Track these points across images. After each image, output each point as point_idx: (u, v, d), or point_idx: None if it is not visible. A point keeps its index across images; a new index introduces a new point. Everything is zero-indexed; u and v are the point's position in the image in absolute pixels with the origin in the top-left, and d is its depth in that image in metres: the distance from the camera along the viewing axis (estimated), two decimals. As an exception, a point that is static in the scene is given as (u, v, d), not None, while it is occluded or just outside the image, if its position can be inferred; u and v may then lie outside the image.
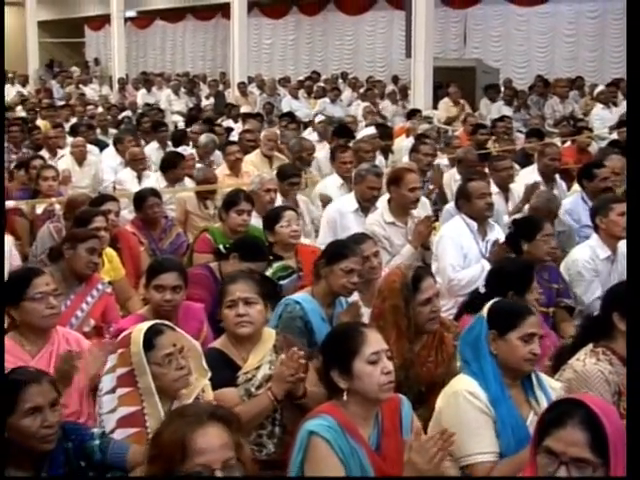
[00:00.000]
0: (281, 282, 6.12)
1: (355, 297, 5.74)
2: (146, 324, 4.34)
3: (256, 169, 10.23)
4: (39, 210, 8.98)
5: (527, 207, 7.93)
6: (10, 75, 30.50)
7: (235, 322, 4.66)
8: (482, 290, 5.39)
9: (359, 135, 12.02)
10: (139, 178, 10.52)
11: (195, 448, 2.83)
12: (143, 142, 13.37)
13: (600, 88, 16.59)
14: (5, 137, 13.56)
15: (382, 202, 7.50)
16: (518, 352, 4.08)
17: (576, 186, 8.72)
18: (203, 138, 11.97)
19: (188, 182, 10.18)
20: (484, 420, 3.98)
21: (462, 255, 6.80)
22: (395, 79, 22.59)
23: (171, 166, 10.01)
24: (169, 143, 13.00)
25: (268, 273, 6.17)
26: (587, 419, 2.94)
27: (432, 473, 3.48)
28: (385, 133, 12.28)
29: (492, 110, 17.15)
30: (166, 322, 4.48)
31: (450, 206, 7.87)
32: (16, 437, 3.68)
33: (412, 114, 15.46)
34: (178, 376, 4.18)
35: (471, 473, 3.95)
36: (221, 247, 6.45)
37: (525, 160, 10.28)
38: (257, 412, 4.46)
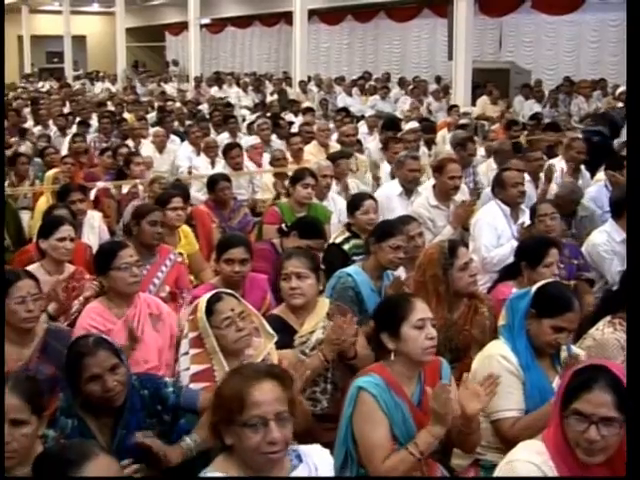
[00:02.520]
0: (354, 257, 6.11)
1: (400, 271, 5.75)
2: (209, 293, 4.38)
3: (314, 157, 10.23)
4: (124, 190, 9.06)
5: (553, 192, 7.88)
6: (101, 74, 30.81)
7: (289, 294, 4.70)
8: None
9: (404, 128, 12.00)
10: (212, 164, 10.55)
11: (252, 401, 2.86)
12: (215, 133, 13.40)
13: (621, 89, 16.36)
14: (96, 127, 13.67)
15: (427, 188, 7.56)
16: (546, 337, 4.05)
17: (599, 175, 8.67)
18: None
19: (253, 168, 10.22)
20: (514, 381, 3.97)
21: (496, 236, 6.78)
22: (438, 79, 22.44)
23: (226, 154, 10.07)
24: (239, 134, 13.03)
25: (345, 248, 6.28)
26: (611, 382, 2.93)
27: (449, 417, 3.58)
28: (428, 127, 12.25)
29: (525, 107, 17.13)
30: (227, 290, 4.50)
31: (486, 192, 7.87)
32: (88, 398, 3.72)
33: (451, 109, 15.47)
34: (238, 337, 4.20)
35: (499, 427, 3.94)
36: (283, 226, 6.48)
37: (549, 151, 10.15)
38: (311, 371, 4.42)
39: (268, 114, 15.39)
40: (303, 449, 3.06)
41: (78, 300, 5.50)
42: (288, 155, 10.25)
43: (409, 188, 7.76)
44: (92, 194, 8.57)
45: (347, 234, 6.48)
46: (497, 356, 4.05)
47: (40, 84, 29.99)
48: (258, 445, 2.84)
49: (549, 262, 5.25)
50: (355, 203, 6.60)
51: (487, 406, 3.75)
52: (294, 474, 2.95)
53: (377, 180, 9.19)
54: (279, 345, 4.49)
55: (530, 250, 5.38)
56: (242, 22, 32.22)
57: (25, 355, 4.48)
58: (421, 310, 3.87)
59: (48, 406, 3.65)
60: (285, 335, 4.59)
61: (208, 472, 2.95)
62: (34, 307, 4.49)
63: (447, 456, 4.02)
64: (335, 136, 11.56)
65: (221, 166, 9.92)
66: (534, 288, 4.19)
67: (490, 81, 18.36)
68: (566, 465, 2.98)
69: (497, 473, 3.18)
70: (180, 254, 6.46)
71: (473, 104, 17.44)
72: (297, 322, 4.72)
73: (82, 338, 3.94)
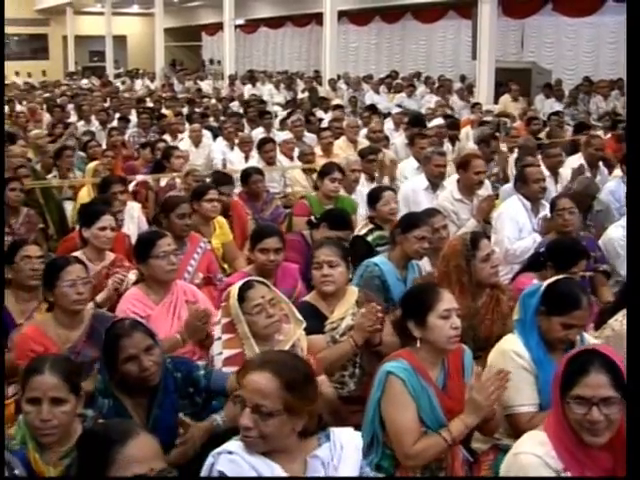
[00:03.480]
0: (378, 248, 6.10)
1: (425, 261, 5.76)
2: (241, 281, 4.40)
3: (343, 152, 10.24)
4: (162, 183, 9.08)
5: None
6: (141, 72, 30.92)
7: (320, 281, 4.73)
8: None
9: (430, 125, 11.97)
10: (246, 158, 10.55)
11: (242, 383, 2.90)
12: (249, 128, 13.41)
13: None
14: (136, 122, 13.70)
15: (452, 182, 7.56)
16: (555, 334, 3.98)
17: (617, 172, 8.61)
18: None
19: (285, 162, 10.22)
20: (526, 377, 3.93)
21: (517, 229, 6.77)
22: (462, 78, 22.33)
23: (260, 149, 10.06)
24: (273, 129, 13.04)
25: (369, 239, 6.28)
26: (605, 364, 2.93)
27: (488, 409, 3.60)
28: (453, 124, 12.19)
29: (545, 106, 17.07)
30: (258, 278, 4.54)
31: (508, 186, 7.84)
32: (125, 378, 3.75)
33: (474, 106, 15.43)
34: (268, 323, 4.23)
35: (516, 421, 3.90)
36: (312, 218, 6.50)
37: (572, 149, 10.08)
38: (340, 355, 4.51)
39: (299, 111, 15.36)
40: (335, 430, 3.05)
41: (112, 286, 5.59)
42: (317, 150, 10.24)
43: (435, 182, 7.78)
44: (131, 186, 8.59)
45: (370, 226, 6.49)
46: (510, 352, 4.01)
47: (83, 81, 30.14)
48: (240, 422, 2.89)
49: (574, 271, 5.17)
50: (375, 196, 6.60)
51: (500, 400, 3.71)
52: (318, 452, 2.94)
53: (392, 180, 9.09)
54: (310, 331, 4.52)
55: (561, 255, 5.28)
56: (275, 23, 32.25)
57: (73, 338, 4.52)
58: (447, 301, 3.87)
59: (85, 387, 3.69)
60: (316, 321, 4.62)
61: (235, 439, 2.96)
62: (84, 290, 4.54)
63: (468, 439, 4.00)
64: (363, 132, 11.54)
65: (255, 160, 9.93)
66: (544, 285, 4.12)
67: (512, 80, 18.27)
68: (567, 452, 2.97)
69: (504, 464, 3.17)
70: (209, 242, 6.49)
71: (496, 102, 17.36)
72: (327, 309, 4.75)
73: (119, 321, 3.98)
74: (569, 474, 2.95)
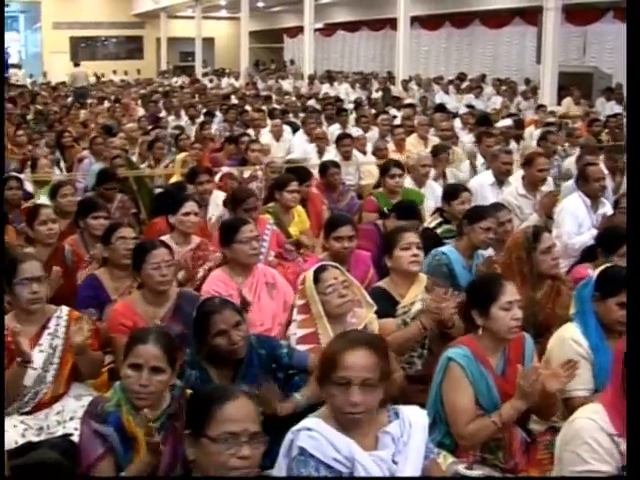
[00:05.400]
0: (445, 241, 6.05)
1: (489, 252, 5.70)
2: (316, 265, 4.49)
3: (414, 148, 10.19)
4: (246, 174, 9.14)
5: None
6: (227, 71, 31.16)
7: (410, 260, 4.74)
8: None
9: (499, 125, 11.86)
10: (320, 153, 10.52)
11: (343, 363, 2.85)
12: (326, 124, 13.42)
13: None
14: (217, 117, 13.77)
15: (517, 178, 7.50)
16: (613, 315, 3.93)
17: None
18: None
19: (360, 156, 10.21)
20: (583, 363, 3.86)
21: (577, 224, 6.67)
22: (527, 81, 22.00)
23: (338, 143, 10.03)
24: (348, 126, 13.03)
25: (438, 231, 6.27)
26: None
27: (534, 395, 3.58)
28: (517, 123, 12.06)
29: (606, 108, 16.83)
30: (331, 263, 4.61)
31: (570, 183, 7.73)
32: (214, 351, 3.80)
33: (538, 108, 15.22)
34: (340, 302, 4.29)
35: (571, 404, 3.85)
36: (384, 209, 6.47)
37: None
38: (409, 337, 4.49)
39: (373, 110, 15.30)
40: (402, 408, 3.05)
41: (203, 268, 5.61)
42: (391, 145, 10.20)
43: (500, 178, 7.69)
44: (217, 177, 8.65)
45: (439, 219, 6.45)
46: (569, 340, 3.98)
47: (174, 79, 30.49)
48: (341, 404, 2.86)
49: (622, 252, 5.09)
50: (453, 193, 6.52)
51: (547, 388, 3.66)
52: (389, 428, 2.94)
53: (474, 168, 9.09)
54: (382, 314, 4.55)
55: (608, 239, 5.24)
56: (351, 27, 32.21)
57: (159, 314, 4.57)
58: (510, 293, 3.84)
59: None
60: (388, 305, 4.64)
61: (312, 416, 2.98)
62: (167, 272, 4.57)
63: (526, 420, 3.97)
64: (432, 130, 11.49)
65: (332, 154, 9.92)
66: (595, 274, 4.10)
67: (574, 84, 18.06)
68: (619, 417, 2.90)
69: (562, 432, 3.15)
70: (274, 223, 6.52)
71: (558, 104, 17.16)
72: (399, 294, 4.75)
73: (209, 299, 4.08)
74: (622, 441, 2.89)
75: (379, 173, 7.66)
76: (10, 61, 38.30)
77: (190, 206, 5.93)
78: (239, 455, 2.58)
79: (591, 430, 2.95)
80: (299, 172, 7.44)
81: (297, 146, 11.58)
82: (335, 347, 2.94)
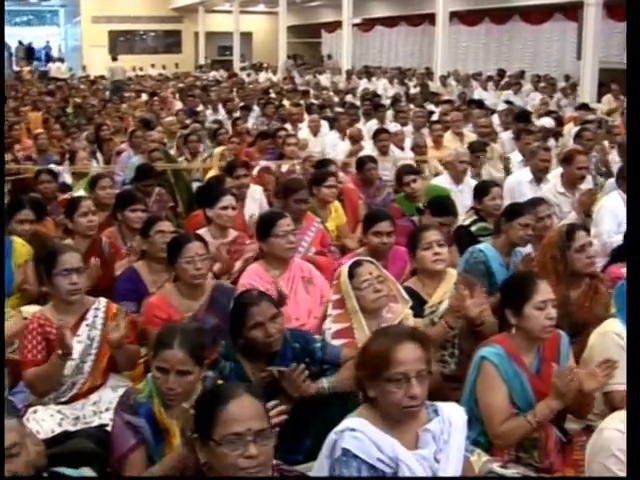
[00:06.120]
0: (480, 239, 6.01)
1: (528, 248, 5.65)
2: (351, 260, 4.49)
3: (450, 144, 10.15)
4: (283, 169, 9.16)
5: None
6: (264, 66, 31.24)
7: (432, 259, 4.72)
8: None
9: (539, 122, 11.76)
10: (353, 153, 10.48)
11: (396, 359, 2.85)
12: (364, 120, 13.40)
13: None
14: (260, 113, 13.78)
15: (555, 176, 7.43)
16: None
17: None
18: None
19: (397, 152, 10.18)
20: (625, 357, 3.82)
21: (617, 223, 6.55)
22: (567, 77, 21.78)
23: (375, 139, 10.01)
24: (386, 121, 13.00)
25: (473, 229, 6.24)
26: None
27: (570, 395, 3.55)
28: (556, 121, 11.96)
29: (647, 105, 16.51)
30: (366, 258, 4.61)
31: (610, 182, 7.66)
32: (250, 343, 3.83)
33: (581, 108, 15.01)
34: (375, 297, 4.28)
35: (612, 398, 3.84)
36: (420, 205, 6.46)
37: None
38: (435, 337, 4.44)
39: (411, 105, 15.24)
40: (441, 405, 3.05)
41: (239, 261, 5.64)
42: (428, 142, 10.17)
43: (539, 176, 7.62)
44: (255, 171, 8.68)
45: (474, 217, 6.41)
46: (611, 334, 3.95)
47: (212, 73, 30.60)
48: (400, 399, 2.85)
49: None
50: (483, 190, 6.49)
51: (603, 385, 3.67)
52: (430, 426, 2.94)
53: (507, 170, 9.04)
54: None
55: None
56: (390, 22, 32.07)
57: (194, 307, 4.61)
58: (544, 292, 3.81)
59: (210, 354, 3.76)
60: (416, 305, 4.61)
61: (354, 416, 2.98)
62: (202, 265, 4.60)
63: (562, 419, 3.94)
64: (470, 126, 11.44)
65: (369, 149, 9.91)
66: None
67: (615, 81, 17.83)
68: None
69: (592, 439, 3.15)
70: (322, 221, 6.52)
71: (598, 101, 16.96)
72: (427, 293, 4.74)
73: (247, 291, 4.12)
74: None
75: (395, 180, 7.64)
76: (52, 55, 38.90)
77: (228, 200, 5.97)
78: (246, 455, 2.57)
79: (619, 442, 2.94)
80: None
81: (328, 144, 11.57)
82: (381, 345, 2.93)
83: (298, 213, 6.12)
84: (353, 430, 2.89)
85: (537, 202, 5.99)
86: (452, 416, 3.00)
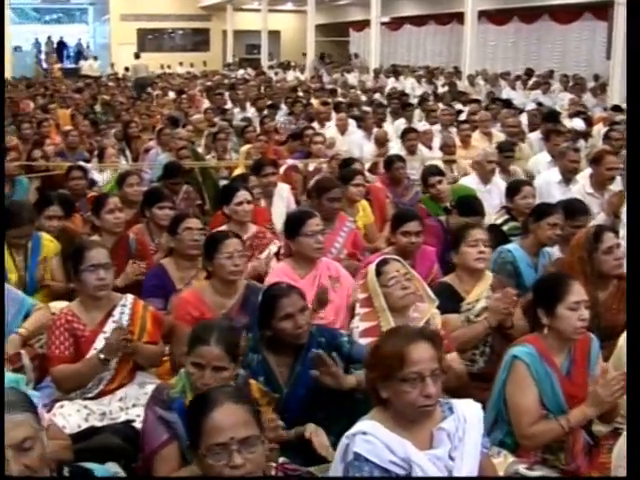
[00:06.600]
0: (511, 238, 5.99)
1: (555, 249, 5.63)
2: (378, 259, 4.52)
3: (478, 144, 10.11)
4: (311, 168, 9.17)
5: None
6: (292, 64, 31.28)
7: (476, 257, 4.75)
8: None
9: (570, 123, 11.68)
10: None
11: (410, 358, 2.84)
12: (391, 119, 13.37)
13: None
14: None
15: (584, 177, 7.41)
16: None
17: None
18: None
19: (425, 151, 10.15)
20: None
21: (646, 225, 6.51)
22: (596, 77, 21.64)
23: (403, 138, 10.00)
24: (414, 120, 12.97)
25: (504, 229, 6.24)
26: None
27: (610, 405, 3.53)
28: (585, 121, 11.86)
29: (678, 105, 16.37)
30: (394, 256, 4.62)
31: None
32: (278, 335, 3.85)
33: (614, 109, 14.88)
34: (403, 294, 4.30)
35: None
36: (448, 205, 6.44)
37: None
38: (474, 335, 4.50)
39: (440, 104, 15.20)
40: (455, 402, 3.04)
41: (263, 254, 5.75)
42: (457, 141, 10.14)
43: (568, 177, 7.59)
44: (282, 169, 8.69)
45: (506, 216, 6.40)
46: None
47: (240, 72, 30.68)
48: (414, 399, 2.84)
49: None
50: (515, 189, 6.47)
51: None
52: (444, 424, 2.93)
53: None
54: (447, 310, 4.55)
55: None
56: (418, 21, 32.00)
57: (227, 305, 4.62)
58: (577, 293, 3.79)
59: (243, 352, 3.78)
60: (453, 301, 4.64)
61: (366, 419, 2.97)
62: (240, 262, 4.61)
63: (589, 422, 3.88)
64: (498, 126, 11.38)
65: (397, 149, 9.89)
66: None
67: (645, 80, 17.67)
68: None
69: (618, 445, 3.17)
70: (354, 221, 6.50)
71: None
72: (464, 290, 4.75)
73: (276, 284, 4.14)
74: None
75: (421, 181, 7.61)
76: (83, 52, 39.14)
77: (242, 195, 5.99)
78: (231, 465, 2.55)
79: None
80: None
81: (354, 144, 11.56)
82: (395, 345, 2.92)
83: (331, 212, 6.10)
84: (364, 434, 2.88)
85: (577, 209, 5.87)
86: (467, 412, 2.99)
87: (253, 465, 2.59)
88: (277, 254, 5.78)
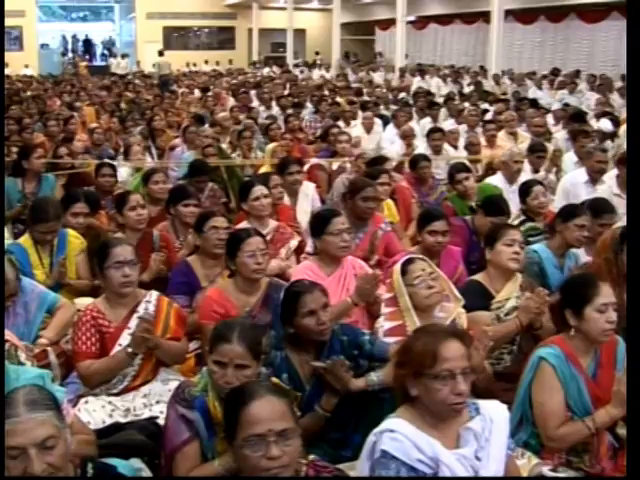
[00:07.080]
0: (529, 239, 5.92)
1: (581, 251, 5.59)
2: (403, 258, 4.50)
3: (504, 143, 10.06)
4: (335, 166, 9.16)
5: None
6: (318, 62, 31.31)
7: (511, 257, 4.73)
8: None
9: (597, 124, 11.61)
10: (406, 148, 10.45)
11: (442, 356, 2.85)
12: (417, 117, 13.35)
13: None
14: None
15: (611, 177, 7.34)
16: None
17: None
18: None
19: (450, 150, 10.13)
20: None
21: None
22: (623, 77, 21.46)
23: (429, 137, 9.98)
24: (439, 119, 12.95)
25: (522, 229, 6.10)
26: None
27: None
28: (612, 121, 11.78)
29: None
30: (419, 255, 4.62)
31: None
32: (300, 331, 3.86)
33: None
34: (429, 293, 4.29)
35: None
36: (473, 204, 6.41)
37: None
38: (506, 333, 4.46)
39: (466, 103, 15.16)
40: (482, 403, 3.03)
41: (284, 249, 5.81)
42: (482, 141, 10.10)
43: (594, 177, 7.54)
44: (306, 167, 8.69)
45: (522, 217, 6.38)
46: None
47: (265, 70, 30.73)
48: (445, 396, 2.84)
49: None
50: (525, 190, 6.45)
51: None
52: (471, 424, 2.92)
53: (559, 170, 8.91)
54: (477, 307, 4.55)
55: None
56: (444, 20, 31.95)
57: (251, 303, 4.63)
58: (605, 295, 3.75)
59: (265, 350, 3.78)
60: (483, 299, 4.64)
61: (393, 417, 2.96)
62: (262, 260, 4.62)
63: (614, 424, 3.85)
64: (524, 125, 11.34)
65: (423, 148, 9.87)
66: None
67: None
68: None
69: None
70: (391, 223, 6.46)
71: (656, 101, 16.66)
72: (495, 289, 4.74)
73: (298, 281, 4.16)
74: None
75: (447, 178, 7.63)
76: (114, 49, 39.38)
77: (258, 190, 6.01)
78: (268, 456, 2.56)
79: None
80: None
81: (386, 140, 11.53)
82: (427, 342, 2.91)
83: (367, 212, 6.02)
84: (392, 431, 2.87)
85: (603, 208, 5.82)
86: (494, 414, 2.98)
87: (289, 458, 2.60)
88: (297, 250, 5.78)
